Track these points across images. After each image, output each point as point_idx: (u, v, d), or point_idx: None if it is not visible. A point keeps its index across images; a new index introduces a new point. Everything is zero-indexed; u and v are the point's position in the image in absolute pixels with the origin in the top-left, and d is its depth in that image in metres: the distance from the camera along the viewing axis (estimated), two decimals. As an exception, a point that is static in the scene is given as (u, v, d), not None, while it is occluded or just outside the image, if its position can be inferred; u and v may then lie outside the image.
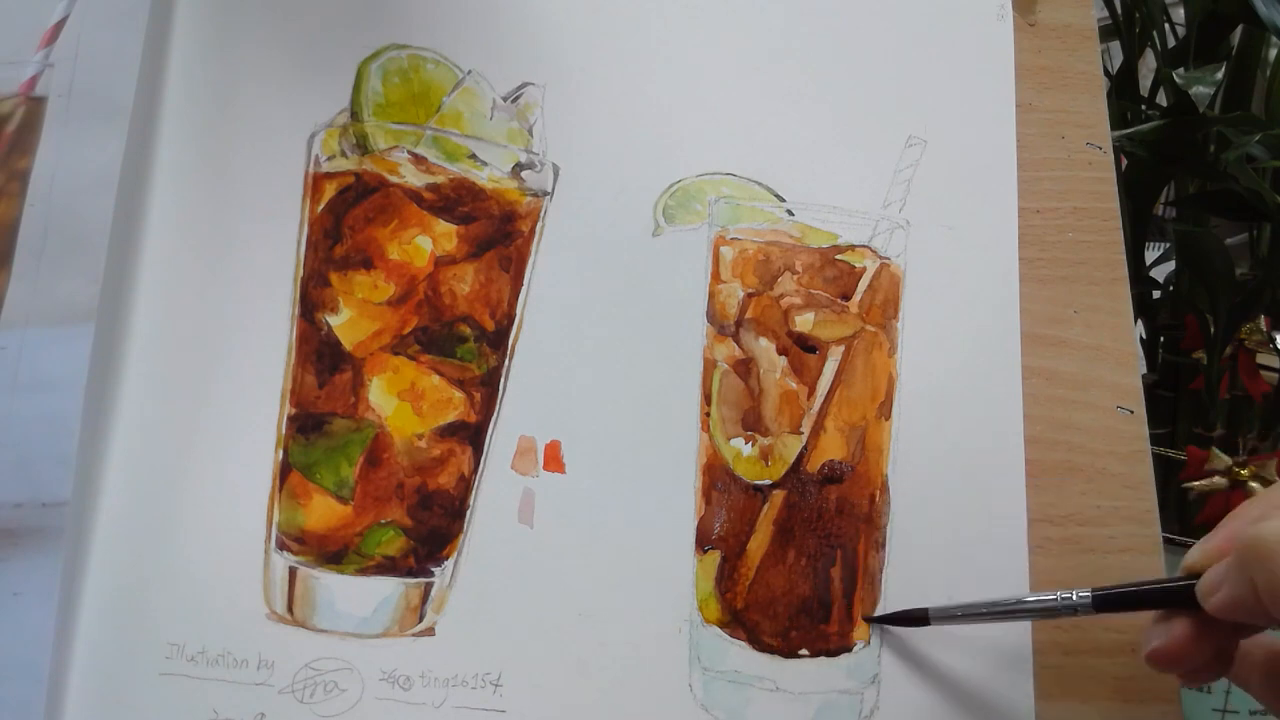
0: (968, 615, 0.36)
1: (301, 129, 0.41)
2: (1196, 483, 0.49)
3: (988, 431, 0.40)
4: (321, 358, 0.39)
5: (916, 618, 0.37)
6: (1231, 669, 0.34)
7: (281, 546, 0.38)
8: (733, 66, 0.43)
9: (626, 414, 0.39)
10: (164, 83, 0.41)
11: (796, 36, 0.44)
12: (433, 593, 0.38)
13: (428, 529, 0.38)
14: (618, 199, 0.41)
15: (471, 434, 0.39)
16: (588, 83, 0.42)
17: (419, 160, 0.40)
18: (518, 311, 0.40)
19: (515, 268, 0.40)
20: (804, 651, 0.38)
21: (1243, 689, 0.35)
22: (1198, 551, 0.32)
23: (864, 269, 0.40)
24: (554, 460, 0.39)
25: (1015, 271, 0.42)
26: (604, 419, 0.39)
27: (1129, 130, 0.66)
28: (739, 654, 0.38)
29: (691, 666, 0.38)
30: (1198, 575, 0.32)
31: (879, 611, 0.38)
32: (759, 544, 0.39)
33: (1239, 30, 0.66)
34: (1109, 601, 0.34)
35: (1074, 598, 0.34)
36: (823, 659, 0.38)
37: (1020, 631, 0.38)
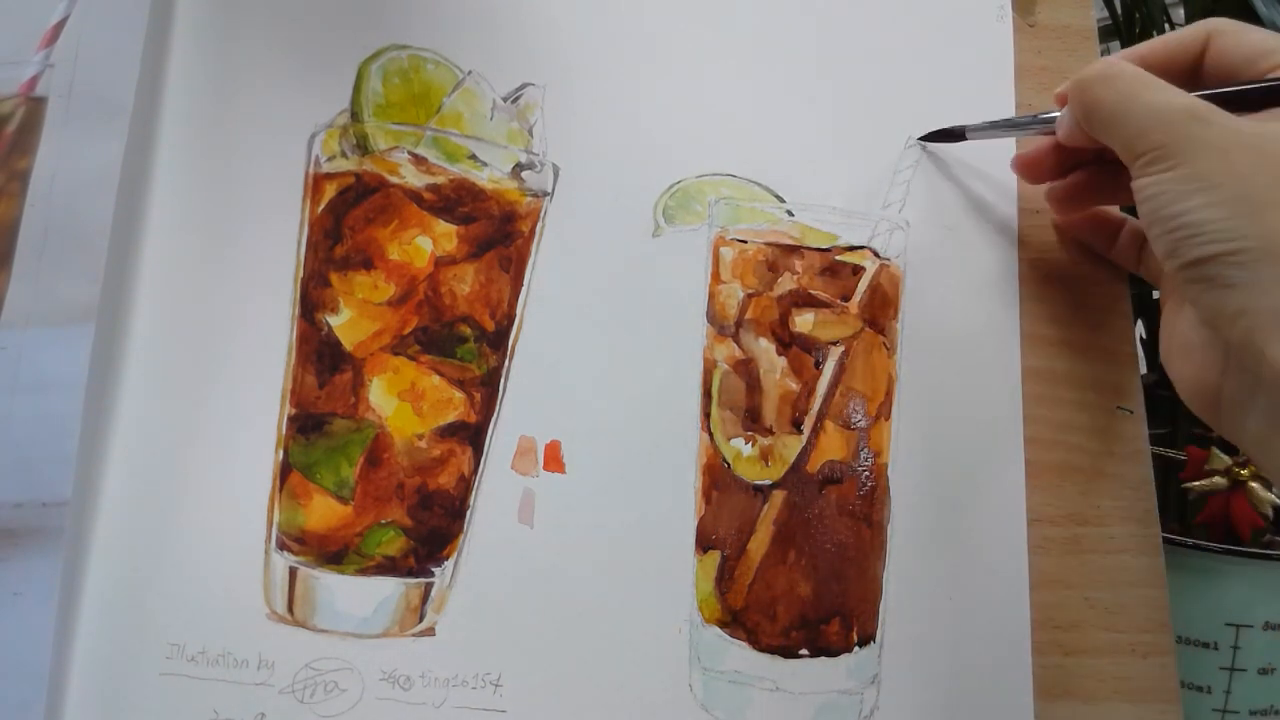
0: (999, 127, 0.41)
1: (301, 129, 0.41)
2: (1196, 483, 0.49)
3: (988, 431, 0.40)
4: (322, 358, 0.39)
5: (955, 133, 0.42)
6: (1113, 246, 0.42)
7: (282, 546, 0.38)
8: (733, 67, 0.43)
9: (626, 414, 0.39)
10: (164, 83, 0.41)
11: (796, 37, 0.44)
12: (433, 593, 0.38)
13: (428, 529, 0.38)
14: (618, 199, 0.41)
15: (471, 434, 0.39)
16: (588, 83, 0.42)
17: (419, 161, 0.40)
18: (518, 311, 0.40)
19: (515, 268, 0.40)
20: (804, 651, 0.38)
21: (1127, 267, 0.42)
22: (1065, 85, 0.38)
23: (864, 269, 0.40)
24: (554, 460, 0.39)
25: (1015, 271, 0.42)
26: (604, 419, 0.39)
27: (1129, 130, 0.65)
28: (739, 654, 0.38)
29: (691, 666, 0.38)
30: None
31: (881, 611, 0.38)
32: (759, 544, 0.39)
33: (1239, 30, 0.66)
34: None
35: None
36: (823, 659, 0.38)
37: (1020, 631, 0.38)
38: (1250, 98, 0.33)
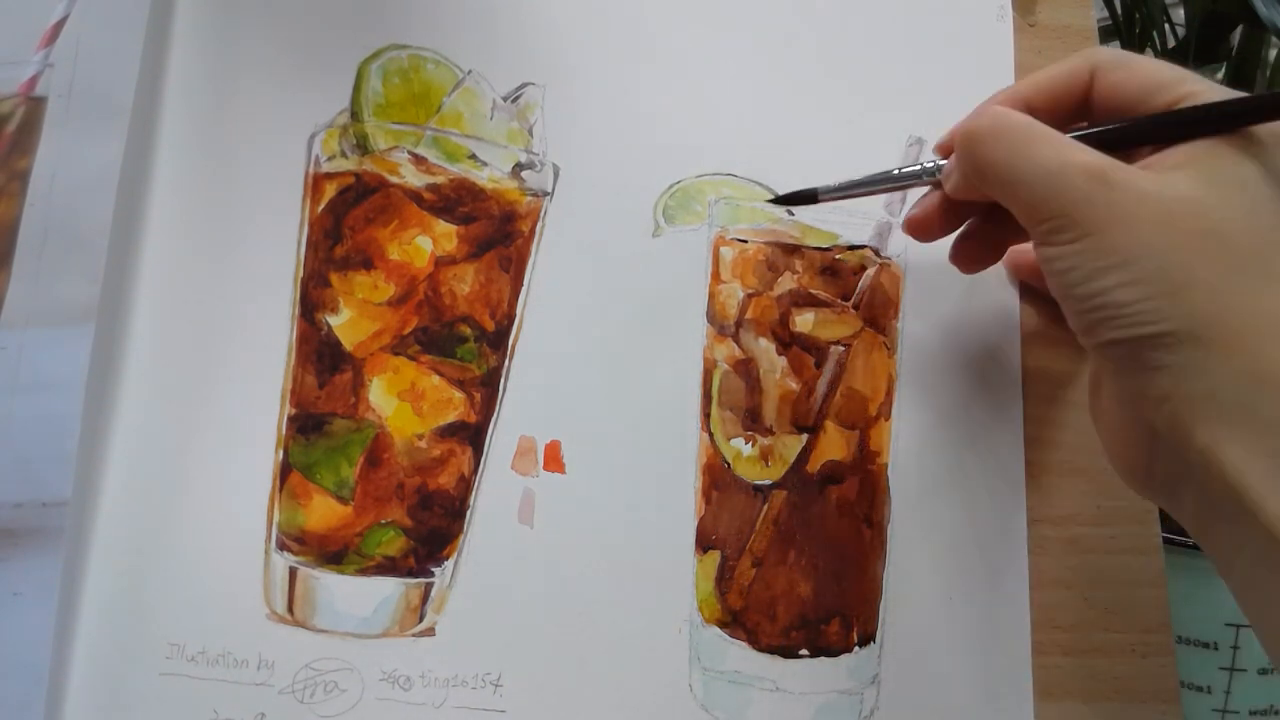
0: (852, 189, 0.38)
1: (301, 129, 0.41)
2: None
3: (988, 431, 0.40)
4: (322, 358, 0.39)
5: (808, 196, 0.39)
6: (999, 259, 0.40)
7: (282, 547, 0.38)
8: (733, 67, 0.43)
9: (626, 414, 0.39)
10: (164, 83, 0.41)
11: (796, 36, 0.44)
12: (433, 593, 0.38)
13: (428, 529, 0.38)
14: (618, 199, 0.41)
15: (471, 434, 0.39)
16: (588, 83, 0.42)
17: (419, 160, 0.40)
18: (518, 311, 0.40)
19: (515, 268, 0.40)
20: (804, 652, 0.38)
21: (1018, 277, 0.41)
22: (946, 135, 0.37)
23: (864, 269, 0.40)
24: (554, 460, 0.39)
25: (1015, 271, 0.42)
26: (604, 419, 0.39)
27: (1129, 130, 0.65)
28: (739, 654, 0.38)
29: (691, 666, 0.38)
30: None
31: (881, 611, 0.38)
32: (759, 544, 0.39)
33: (1239, 30, 0.66)
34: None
35: (932, 165, 0.37)
36: (823, 659, 0.38)
37: (1020, 631, 0.38)
38: (1146, 132, 0.32)
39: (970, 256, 0.39)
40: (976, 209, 0.37)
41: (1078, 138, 0.32)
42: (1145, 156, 0.31)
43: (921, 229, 0.38)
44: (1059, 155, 0.30)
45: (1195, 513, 0.31)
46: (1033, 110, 0.34)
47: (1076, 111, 0.34)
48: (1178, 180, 0.29)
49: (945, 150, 0.37)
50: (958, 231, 0.39)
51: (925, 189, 0.38)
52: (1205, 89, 0.31)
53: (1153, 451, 0.32)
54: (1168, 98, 0.32)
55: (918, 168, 0.37)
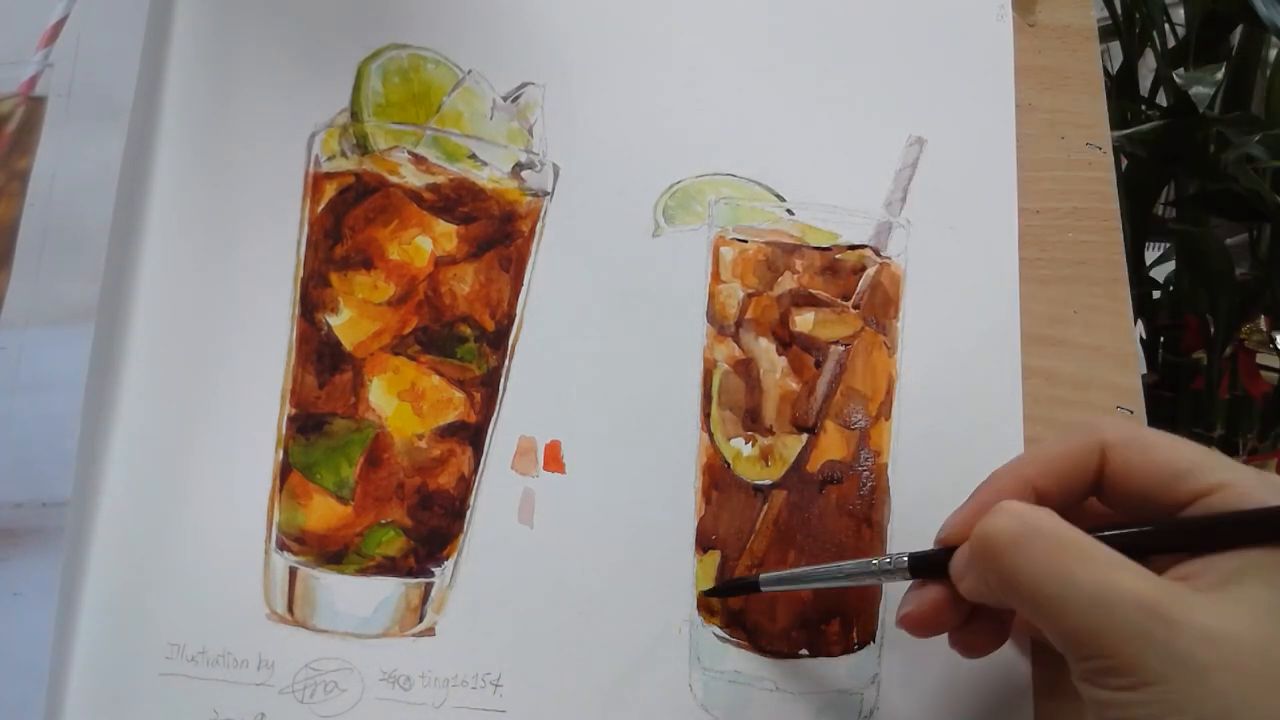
0: (795, 580, 0.36)
1: (301, 129, 0.41)
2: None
3: (988, 431, 0.40)
4: (321, 358, 0.39)
5: (748, 584, 0.36)
6: (1008, 638, 0.35)
7: (282, 547, 0.38)
8: (733, 66, 0.43)
9: (626, 414, 0.39)
10: (164, 83, 0.41)
11: (796, 36, 0.44)
12: (433, 593, 0.38)
13: (428, 529, 0.38)
14: (618, 199, 0.41)
15: (471, 434, 0.39)
16: (588, 83, 0.42)
17: (419, 160, 0.40)
18: (518, 311, 0.40)
19: (515, 268, 0.40)
20: (804, 652, 0.38)
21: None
22: (948, 526, 0.33)
23: (864, 269, 0.40)
24: (554, 460, 0.39)
25: (1015, 271, 0.42)
26: (604, 419, 0.39)
27: (1129, 130, 0.66)
28: (739, 654, 0.38)
29: (691, 666, 0.38)
30: (953, 547, 0.32)
31: (881, 611, 0.38)
32: (759, 544, 0.39)
33: (1239, 30, 0.66)
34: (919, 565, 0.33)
35: (890, 562, 0.34)
36: (823, 659, 0.38)
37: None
38: (1189, 538, 0.28)
39: (975, 645, 0.34)
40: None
41: (1110, 539, 0.28)
42: (1178, 561, 0.28)
43: (921, 626, 0.33)
44: (1104, 580, 0.27)
45: None
46: (1041, 495, 0.31)
47: (1087, 493, 0.32)
48: (1239, 614, 0.26)
49: (946, 543, 0.33)
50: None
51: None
52: (1237, 479, 0.28)
53: None
54: (1193, 487, 0.29)
55: (874, 565, 0.33)
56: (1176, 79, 0.62)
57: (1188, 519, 0.29)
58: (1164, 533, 0.29)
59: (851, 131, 0.43)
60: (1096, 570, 0.27)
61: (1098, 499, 0.32)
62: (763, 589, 0.36)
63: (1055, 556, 0.27)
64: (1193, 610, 0.26)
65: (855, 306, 0.40)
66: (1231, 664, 0.25)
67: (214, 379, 0.39)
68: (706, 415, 0.40)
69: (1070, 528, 0.28)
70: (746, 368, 0.40)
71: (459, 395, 0.39)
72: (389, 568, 0.38)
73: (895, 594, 0.38)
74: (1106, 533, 0.29)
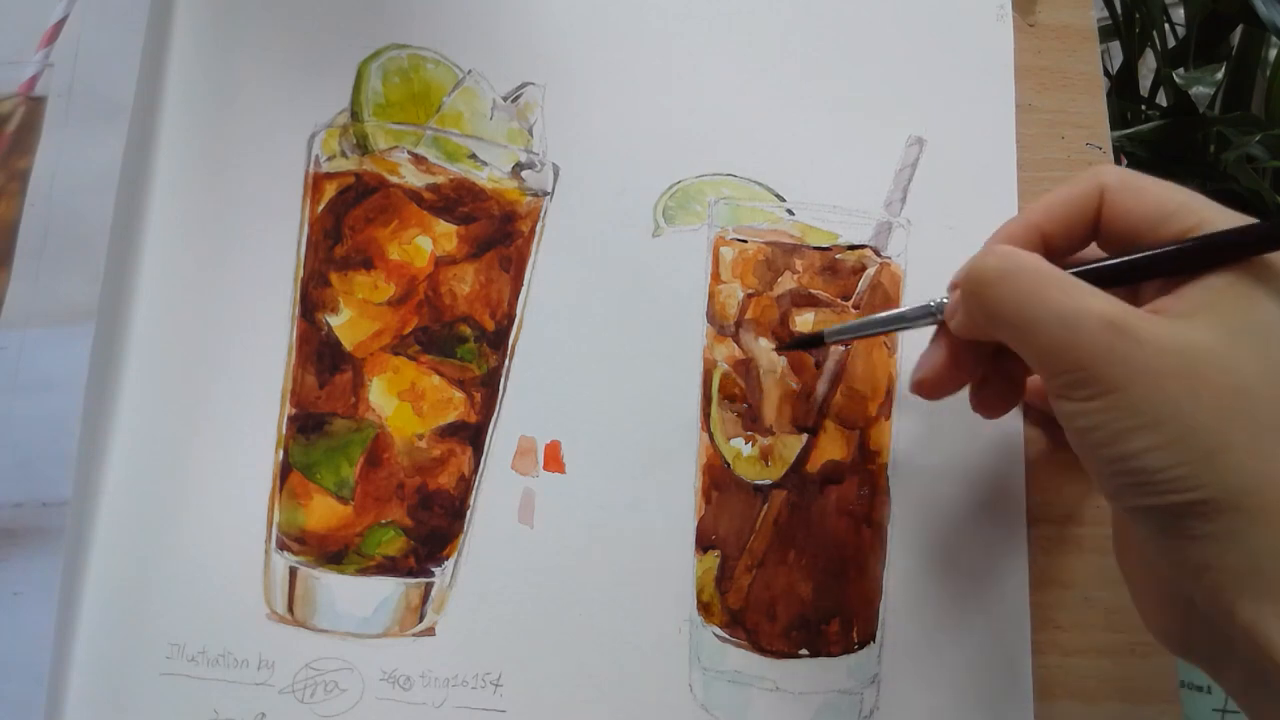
0: (859, 330, 0.38)
1: (301, 129, 0.41)
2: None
3: (988, 431, 0.40)
4: (322, 358, 0.39)
5: (814, 339, 0.38)
6: (1022, 397, 0.37)
7: (282, 547, 0.38)
8: (733, 66, 0.43)
9: (626, 414, 0.39)
10: (164, 83, 0.41)
11: (797, 36, 0.44)
12: (433, 593, 0.38)
13: (428, 529, 0.38)
14: (618, 199, 0.41)
15: (471, 434, 0.39)
16: (588, 83, 0.42)
17: (419, 160, 0.40)
18: (518, 311, 0.40)
19: (515, 268, 0.40)
20: (804, 651, 0.38)
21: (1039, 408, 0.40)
22: (960, 273, 0.35)
23: (864, 269, 0.40)
24: (554, 460, 0.39)
25: (1015, 271, 0.42)
26: (604, 419, 0.39)
27: (1129, 130, 0.66)
28: (739, 654, 0.38)
29: (691, 666, 0.38)
30: None
31: (881, 611, 0.38)
32: (759, 544, 0.39)
33: (1239, 30, 0.66)
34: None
35: (937, 305, 0.35)
36: (823, 659, 0.38)
37: (1020, 631, 0.38)
38: (1156, 267, 0.30)
39: (991, 404, 0.37)
40: (984, 358, 0.35)
41: (1085, 274, 0.30)
42: (1156, 290, 0.30)
43: (929, 388, 0.36)
44: (1073, 302, 0.29)
45: (1243, 688, 0.29)
46: (1047, 237, 0.33)
47: (1089, 235, 0.33)
48: (1198, 330, 0.28)
49: (956, 287, 0.35)
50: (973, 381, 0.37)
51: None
52: (1215, 215, 0.30)
53: (1189, 618, 0.30)
54: (1178, 226, 0.30)
55: (929, 304, 0.35)
56: (1176, 79, 0.62)
57: (1151, 250, 0.31)
58: (1130, 263, 0.31)
59: (851, 131, 0.43)
60: (1069, 296, 0.29)
61: (1097, 243, 0.34)
62: (826, 340, 0.38)
63: (1034, 286, 0.30)
64: (1154, 328, 0.28)
65: (855, 307, 0.40)
66: (1187, 372, 0.27)
67: (214, 379, 0.39)
68: (706, 415, 0.40)
69: (1050, 265, 0.30)
70: (746, 368, 0.40)
71: (459, 395, 0.39)
72: (389, 568, 0.38)
73: (895, 594, 0.39)
74: (1081, 268, 0.31)
